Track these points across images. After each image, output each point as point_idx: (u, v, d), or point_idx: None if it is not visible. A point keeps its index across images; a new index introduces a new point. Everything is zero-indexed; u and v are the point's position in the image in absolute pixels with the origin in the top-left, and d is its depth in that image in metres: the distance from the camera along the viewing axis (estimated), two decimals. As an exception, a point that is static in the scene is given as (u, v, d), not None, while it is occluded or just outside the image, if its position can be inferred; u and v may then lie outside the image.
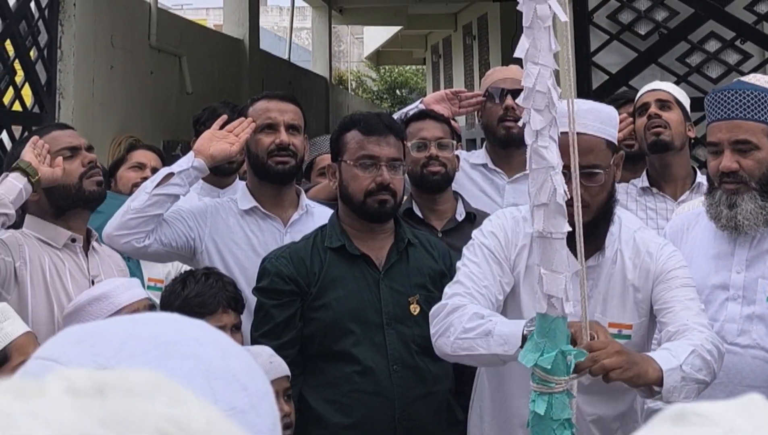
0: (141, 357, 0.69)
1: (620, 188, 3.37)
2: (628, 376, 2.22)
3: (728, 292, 2.86)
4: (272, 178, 3.28)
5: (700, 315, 2.54)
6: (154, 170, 3.94)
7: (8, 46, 5.73)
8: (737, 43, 5.66)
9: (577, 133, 2.33)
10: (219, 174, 3.97)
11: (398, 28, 21.09)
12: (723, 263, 2.89)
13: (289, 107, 3.34)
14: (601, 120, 2.51)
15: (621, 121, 3.29)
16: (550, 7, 2.04)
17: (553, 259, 2.09)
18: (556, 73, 2.16)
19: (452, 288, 2.57)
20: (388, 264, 2.98)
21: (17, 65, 5.82)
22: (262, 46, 12.91)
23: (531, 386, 2.15)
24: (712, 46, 5.70)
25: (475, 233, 2.68)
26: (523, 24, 2.08)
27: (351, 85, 36.51)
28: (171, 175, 3.14)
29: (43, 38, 6.19)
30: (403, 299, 2.94)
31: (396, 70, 37.56)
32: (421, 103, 3.95)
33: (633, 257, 2.61)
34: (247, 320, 3.03)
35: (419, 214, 3.52)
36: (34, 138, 3.03)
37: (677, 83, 5.46)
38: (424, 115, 3.66)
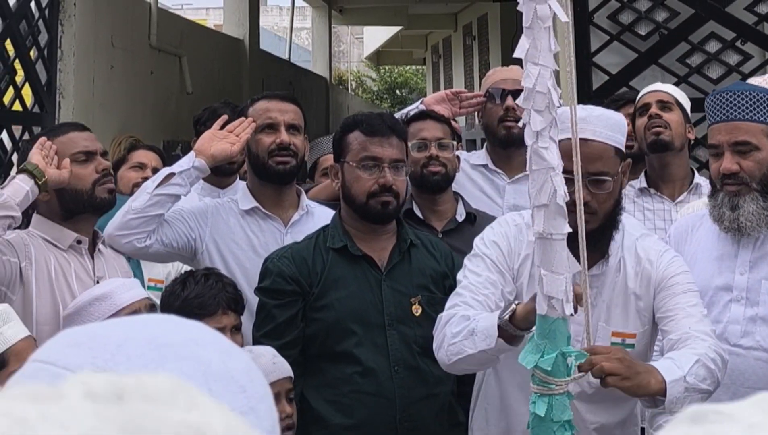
0: (139, 359, 0.68)
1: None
2: (627, 385, 2.21)
3: (732, 293, 2.86)
4: (273, 178, 3.28)
5: (703, 322, 2.52)
6: (155, 170, 3.94)
7: (8, 45, 5.72)
8: (738, 43, 5.66)
9: (587, 140, 2.34)
10: (219, 174, 3.96)
11: (398, 28, 21.09)
12: (726, 265, 2.88)
13: (289, 107, 3.34)
14: (611, 127, 2.50)
15: None
16: (550, 7, 2.03)
17: (554, 260, 2.09)
18: (557, 74, 2.15)
19: (452, 300, 2.56)
20: (390, 265, 2.97)
21: (17, 65, 5.82)
22: (262, 46, 12.92)
23: (531, 388, 2.15)
24: (713, 46, 5.69)
25: (476, 242, 2.65)
26: (523, 24, 2.07)
27: (351, 85, 36.52)
28: (172, 175, 3.14)
29: (43, 38, 6.19)
30: (405, 300, 2.94)
31: (396, 70, 37.58)
32: (421, 103, 3.94)
33: (635, 265, 2.60)
34: (248, 321, 3.03)
35: (419, 215, 3.52)
36: (42, 139, 3.03)
37: (677, 84, 5.47)
38: (425, 115, 3.66)
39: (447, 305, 2.56)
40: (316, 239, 3.01)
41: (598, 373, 2.19)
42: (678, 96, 3.86)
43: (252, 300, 3.06)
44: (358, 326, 2.89)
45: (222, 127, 3.28)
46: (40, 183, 2.92)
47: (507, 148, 3.84)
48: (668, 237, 3.10)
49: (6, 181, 2.98)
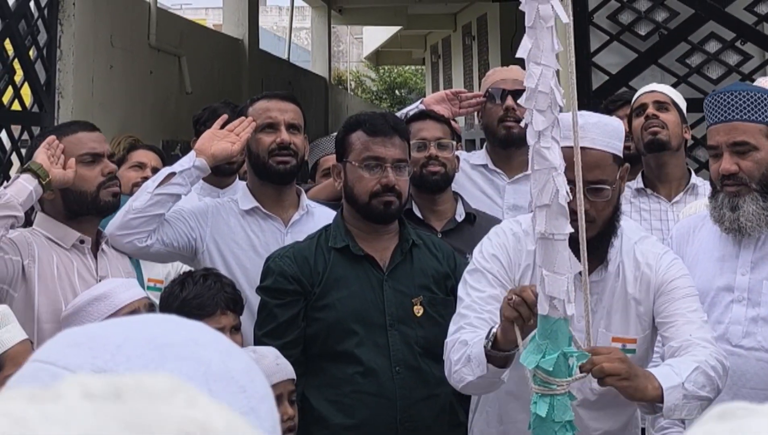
0: (139, 359, 0.68)
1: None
2: (625, 385, 2.21)
3: (733, 294, 2.86)
4: (273, 178, 3.28)
5: (703, 329, 2.51)
6: (155, 170, 3.93)
7: (7, 45, 5.72)
8: (737, 44, 5.65)
9: (584, 148, 2.32)
10: (219, 174, 3.96)
11: (398, 28, 21.10)
12: (728, 265, 2.88)
13: (289, 107, 3.34)
14: (608, 134, 2.47)
15: None
16: (552, 7, 2.03)
17: (555, 260, 2.08)
18: (557, 74, 2.15)
19: (455, 322, 2.54)
20: (392, 265, 2.97)
21: (16, 64, 5.81)
22: (261, 46, 12.92)
23: (532, 388, 2.14)
24: (713, 46, 5.69)
25: (476, 256, 2.62)
26: (526, 24, 2.07)
27: (350, 85, 36.54)
28: (172, 174, 3.14)
29: (42, 37, 6.18)
30: (407, 301, 2.94)
31: (395, 70, 37.60)
32: (421, 103, 3.94)
33: (634, 270, 2.58)
34: (248, 321, 3.03)
35: (419, 215, 3.51)
36: (51, 137, 3.02)
37: (677, 84, 5.47)
38: (424, 115, 3.66)
39: (452, 328, 2.54)
40: (318, 239, 3.00)
41: (598, 374, 2.19)
42: (674, 96, 3.87)
43: (253, 300, 3.06)
44: (359, 326, 2.89)
45: (222, 127, 3.27)
46: (44, 183, 2.92)
47: (507, 148, 3.84)
48: (670, 238, 3.10)
49: (10, 180, 2.97)
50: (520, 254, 2.57)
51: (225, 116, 3.37)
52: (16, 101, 5.82)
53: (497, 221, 3.36)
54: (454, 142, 3.63)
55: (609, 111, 4.03)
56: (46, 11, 6.19)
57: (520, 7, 2.08)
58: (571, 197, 2.13)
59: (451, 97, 3.95)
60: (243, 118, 3.30)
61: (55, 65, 6.31)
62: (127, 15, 7.92)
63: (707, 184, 3.75)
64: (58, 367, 0.67)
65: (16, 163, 5.56)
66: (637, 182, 3.82)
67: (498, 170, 3.87)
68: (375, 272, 2.95)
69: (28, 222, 3.16)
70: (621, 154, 2.54)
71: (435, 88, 20.48)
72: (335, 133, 3.32)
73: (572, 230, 2.11)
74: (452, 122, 3.85)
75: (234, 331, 2.89)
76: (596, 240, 2.42)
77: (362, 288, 2.92)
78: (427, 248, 3.04)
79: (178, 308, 2.79)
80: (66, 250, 3.04)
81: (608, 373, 2.18)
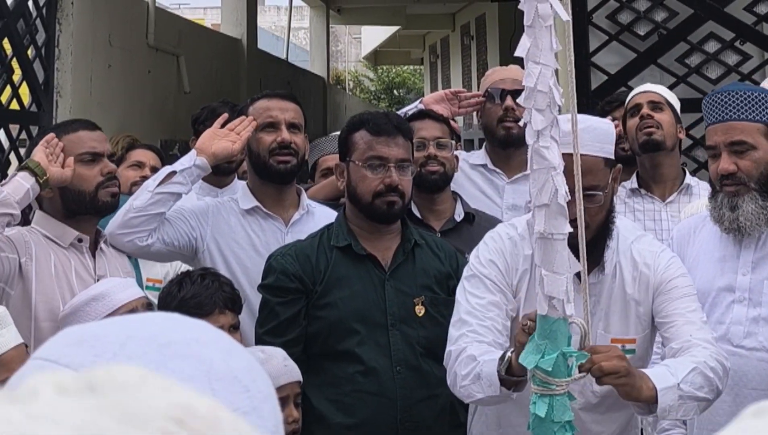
0: (141, 358, 0.68)
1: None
2: (622, 382, 2.21)
3: (734, 294, 2.85)
4: (274, 177, 3.28)
5: (703, 329, 2.50)
6: (154, 169, 3.93)
7: (6, 44, 5.71)
8: (737, 44, 5.65)
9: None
10: (218, 173, 3.96)
11: (396, 28, 21.08)
12: (729, 265, 2.88)
13: (289, 106, 3.34)
14: (599, 138, 2.45)
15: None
16: (551, 5, 2.03)
17: (554, 260, 2.08)
18: (556, 73, 2.15)
19: (457, 329, 2.52)
20: (394, 264, 2.97)
21: (15, 64, 5.81)
22: (259, 46, 12.92)
23: (532, 388, 2.14)
24: (712, 46, 5.69)
25: (473, 262, 2.61)
26: (525, 23, 2.06)
27: (348, 85, 36.53)
28: (173, 173, 3.14)
29: (40, 37, 6.18)
30: (409, 300, 2.93)
31: (394, 70, 37.60)
32: (420, 103, 3.94)
33: (631, 270, 2.57)
34: (249, 320, 3.02)
35: (417, 215, 3.51)
36: (50, 135, 3.01)
37: (676, 84, 5.48)
38: (423, 114, 3.65)
39: (454, 334, 2.52)
40: (320, 237, 3.00)
41: (597, 373, 2.19)
42: (668, 96, 3.87)
43: (253, 299, 3.06)
44: (360, 325, 2.89)
45: (223, 126, 3.27)
46: (41, 181, 2.91)
47: (506, 148, 3.84)
48: (670, 239, 3.10)
49: (7, 178, 2.96)
50: (517, 259, 2.56)
51: (225, 115, 3.36)
52: (15, 100, 5.81)
53: (497, 221, 3.36)
54: (453, 142, 3.63)
55: (605, 112, 4.04)
56: (44, 10, 6.18)
57: (519, 6, 2.08)
58: (570, 197, 2.13)
59: (450, 96, 3.95)
60: (243, 117, 3.29)
61: (53, 64, 6.30)
62: (126, 14, 7.91)
63: (701, 183, 3.76)
64: (60, 365, 0.67)
65: (14, 162, 5.55)
66: (632, 182, 3.82)
67: (497, 170, 3.87)
68: (377, 272, 2.95)
69: (26, 221, 3.15)
70: (612, 157, 2.53)
71: (433, 88, 20.48)
72: (334, 133, 3.32)
73: (571, 230, 2.11)
74: (452, 122, 3.85)
75: (232, 330, 2.88)
76: (591, 244, 2.41)
77: (364, 287, 2.92)
78: (429, 248, 3.04)
79: (176, 308, 2.78)
80: (64, 249, 3.03)
81: (607, 371, 2.18)
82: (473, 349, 2.42)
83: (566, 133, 2.16)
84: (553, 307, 2.08)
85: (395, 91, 37.85)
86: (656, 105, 3.79)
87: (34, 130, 5.55)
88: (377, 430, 2.85)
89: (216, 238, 3.23)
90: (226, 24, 11.98)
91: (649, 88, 3.93)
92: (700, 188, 3.75)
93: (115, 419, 0.54)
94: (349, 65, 39.97)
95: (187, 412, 0.56)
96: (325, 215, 3.24)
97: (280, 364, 2.62)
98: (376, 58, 29.90)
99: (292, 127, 3.30)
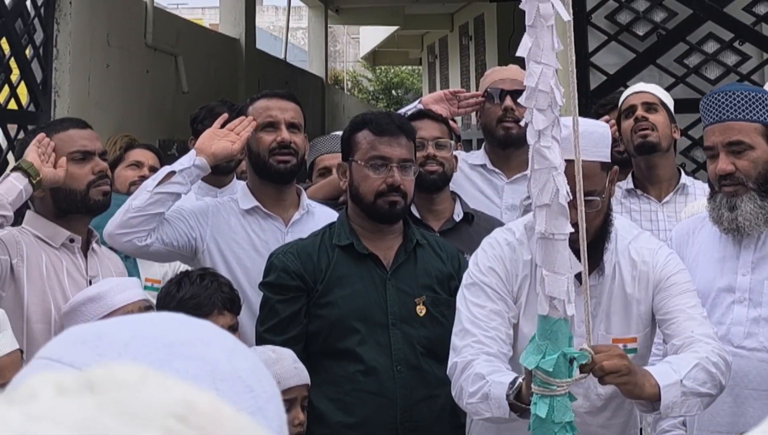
0: (145, 357, 0.67)
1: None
2: (624, 381, 2.21)
3: (734, 294, 2.85)
4: (273, 177, 3.27)
5: (704, 324, 2.50)
6: (152, 169, 3.92)
7: (4, 44, 5.71)
8: (736, 44, 5.66)
9: (572, 161, 2.30)
10: (217, 173, 3.95)
11: (394, 28, 21.08)
12: (729, 266, 2.88)
13: (289, 105, 3.34)
14: (595, 142, 2.44)
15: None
16: (553, 5, 2.02)
17: (555, 260, 2.08)
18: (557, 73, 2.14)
19: (461, 338, 2.50)
20: (396, 264, 2.97)
21: (13, 63, 5.80)
22: (258, 46, 12.90)
23: (532, 389, 2.14)
24: (711, 47, 5.69)
25: (472, 269, 2.59)
26: (526, 23, 2.06)
27: (347, 85, 36.51)
28: (172, 173, 3.13)
29: (38, 36, 6.17)
30: (410, 300, 2.93)
31: (392, 70, 37.58)
32: (419, 103, 3.94)
33: (630, 270, 2.57)
34: (249, 320, 3.02)
35: (417, 215, 3.51)
36: (41, 135, 2.98)
37: (675, 84, 5.48)
38: (422, 114, 3.65)
39: (458, 344, 2.50)
40: (322, 236, 3.01)
41: (598, 372, 2.19)
42: (662, 95, 3.86)
43: (253, 299, 3.05)
44: (361, 325, 2.89)
45: (222, 126, 3.26)
46: (34, 181, 2.89)
47: (505, 148, 3.84)
48: (669, 240, 3.09)
49: (0, 179, 2.94)
50: (516, 265, 2.55)
51: (225, 115, 3.36)
52: (13, 100, 5.81)
53: (496, 221, 3.36)
54: (453, 142, 3.63)
55: (599, 115, 4.02)
56: (42, 10, 6.18)
57: (521, 6, 2.08)
58: (571, 197, 2.13)
59: (449, 96, 3.95)
60: (243, 117, 3.29)
61: (51, 64, 6.30)
62: (124, 14, 7.91)
63: (697, 183, 3.76)
64: (64, 364, 0.67)
65: (12, 162, 5.55)
66: (627, 183, 3.81)
67: (496, 170, 3.86)
68: (378, 271, 2.95)
69: (21, 222, 3.13)
70: (609, 160, 2.51)
71: (432, 89, 20.47)
72: (332, 133, 3.31)
73: (572, 230, 2.10)
74: (451, 122, 3.85)
75: (231, 330, 2.87)
76: (589, 247, 2.40)
77: (365, 286, 2.92)
78: (431, 248, 3.04)
79: (174, 308, 2.76)
80: (55, 249, 3.00)
81: (608, 370, 2.18)
82: (481, 366, 2.40)
83: (564, 138, 2.15)
84: (554, 307, 2.08)
85: (393, 92, 37.83)
86: (650, 106, 3.78)
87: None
88: (377, 429, 2.85)
89: (216, 238, 3.22)
90: (225, 24, 11.98)
91: (642, 88, 3.91)
92: (695, 188, 3.75)
93: (116, 417, 0.54)
94: (348, 65, 39.96)
95: (189, 409, 0.56)
96: (325, 215, 3.24)
97: (290, 366, 2.60)
98: (374, 58, 29.89)
99: (291, 126, 3.29)
